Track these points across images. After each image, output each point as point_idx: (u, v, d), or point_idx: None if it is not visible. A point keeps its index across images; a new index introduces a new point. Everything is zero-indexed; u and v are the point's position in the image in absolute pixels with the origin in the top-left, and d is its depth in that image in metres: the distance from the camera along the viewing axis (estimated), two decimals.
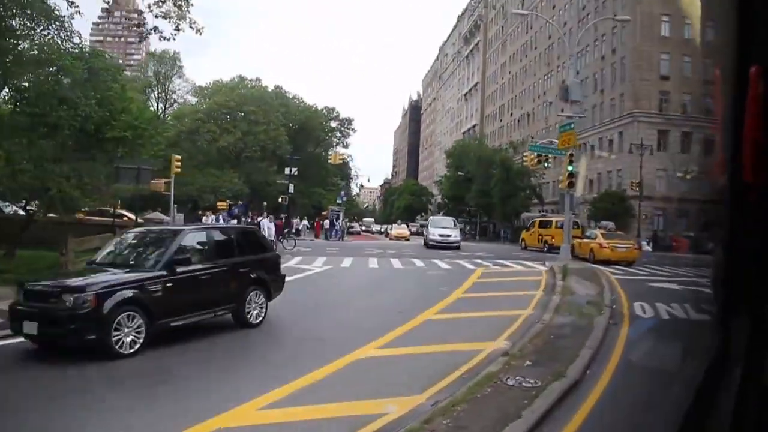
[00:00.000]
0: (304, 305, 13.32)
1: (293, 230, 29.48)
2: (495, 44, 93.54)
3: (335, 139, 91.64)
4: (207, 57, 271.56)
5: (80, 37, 50.27)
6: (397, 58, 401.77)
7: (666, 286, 18.01)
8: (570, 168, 26.18)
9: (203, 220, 27.58)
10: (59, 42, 46.14)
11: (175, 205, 26.30)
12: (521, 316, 11.82)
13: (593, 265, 24.22)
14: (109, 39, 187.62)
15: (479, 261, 25.71)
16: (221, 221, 30.61)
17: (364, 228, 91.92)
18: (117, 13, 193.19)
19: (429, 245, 36.27)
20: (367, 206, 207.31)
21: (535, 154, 30.22)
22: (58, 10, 50.47)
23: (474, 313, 12.30)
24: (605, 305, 12.98)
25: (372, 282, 18.87)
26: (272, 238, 22.38)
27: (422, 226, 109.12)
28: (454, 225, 39.18)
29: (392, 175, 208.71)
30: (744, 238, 1.43)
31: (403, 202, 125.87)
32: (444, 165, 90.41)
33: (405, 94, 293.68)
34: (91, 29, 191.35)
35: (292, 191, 45.17)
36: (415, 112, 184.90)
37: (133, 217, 23.54)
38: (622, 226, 41.63)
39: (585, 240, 28.81)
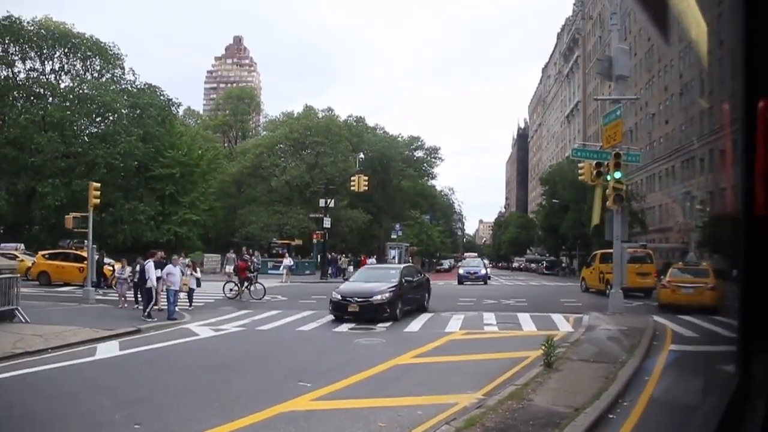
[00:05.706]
0: None
1: (254, 273, 23.46)
2: (594, 57, 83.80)
3: (422, 170, 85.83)
4: (322, 99, 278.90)
5: (134, 74, 47.83)
6: (508, 86, 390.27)
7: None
8: (618, 175, 18.43)
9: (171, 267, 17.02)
10: (110, 79, 41.96)
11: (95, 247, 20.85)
12: None
13: (655, 320, 16.28)
14: (222, 85, 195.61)
15: (487, 315, 18.23)
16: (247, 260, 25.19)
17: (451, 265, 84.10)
18: (229, 60, 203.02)
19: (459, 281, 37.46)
20: (485, 241, 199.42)
21: (593, 162, 21.64)
22: (115, 48, 46.00)
23: None
24: None
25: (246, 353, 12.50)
26: (176, 287, 16.50)
27: (528, 261, 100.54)
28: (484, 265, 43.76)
29: (504, 208, 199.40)
30: (760, 272, 1.44)
31: (509, 235, 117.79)
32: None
33: (514, 123, 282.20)
34: (206, 77, 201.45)
35: (328, 225, 39.45)
36: (522, 141, 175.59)
37: None
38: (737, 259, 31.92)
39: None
